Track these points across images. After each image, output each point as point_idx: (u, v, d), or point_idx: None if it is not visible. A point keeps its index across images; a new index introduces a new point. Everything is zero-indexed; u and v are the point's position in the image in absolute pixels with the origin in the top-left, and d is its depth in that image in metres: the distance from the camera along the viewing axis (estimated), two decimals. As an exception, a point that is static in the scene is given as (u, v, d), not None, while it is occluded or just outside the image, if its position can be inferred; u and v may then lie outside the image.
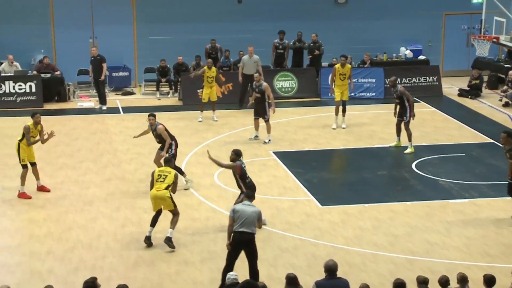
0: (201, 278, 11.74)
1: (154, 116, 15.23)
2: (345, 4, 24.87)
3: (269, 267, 11.87)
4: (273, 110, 18.18)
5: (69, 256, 12.41)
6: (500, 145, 15.86)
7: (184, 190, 15.15)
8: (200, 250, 12.70)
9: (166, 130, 15.10)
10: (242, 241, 10.99)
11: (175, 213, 12.90)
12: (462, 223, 13.74)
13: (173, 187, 12.81)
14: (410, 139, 17.44)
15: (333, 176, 16.56)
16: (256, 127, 18.60)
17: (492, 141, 17.25)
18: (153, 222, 12.91)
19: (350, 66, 19.52)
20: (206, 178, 16.10)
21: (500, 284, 10.07)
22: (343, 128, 19.16)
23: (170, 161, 13.22)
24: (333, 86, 19.43)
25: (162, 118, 20.66)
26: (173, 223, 12.83)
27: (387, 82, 19.68)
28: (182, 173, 15.33)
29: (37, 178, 15.11)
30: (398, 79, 22.54)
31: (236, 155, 13.17)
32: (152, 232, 12.86)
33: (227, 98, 22.33)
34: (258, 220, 11.09)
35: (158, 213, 12.96)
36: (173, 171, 12.97)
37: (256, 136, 18.62)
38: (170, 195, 12.75)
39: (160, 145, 15.34)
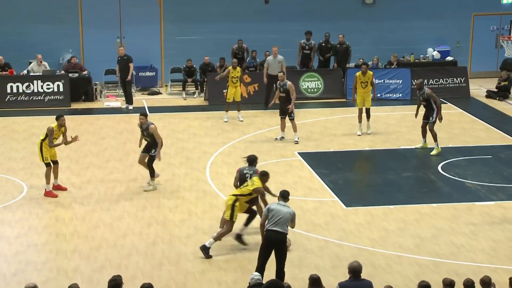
0: (225, 278, 11.75)
1: (146, 115, 15.27)
2: (373, 5, 24.76)
3: (293, 268, 11.85)
4: (290, 108, 18.12)
5: (94, 255, 12.50)
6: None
7: (132, 191, 15.12)
8: (225, 250, 12.70)
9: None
10: (274, 240, 11.05)
11: (227, 225, 12.50)
12: (489, 226, 13.61)
13: (263, 203, 12.28)
14: (435, 140, 17.33)
15: (358, 177, 16.50)
16: (283, 127, 18.59)
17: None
18: (247, 222, 12.88)
19: (371, 73, 19.21)
20: (232, 178, 16.05)
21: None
22: (369, 134, 18.98)
23: (265, 175, 12.51)
24: (355, 95, 19.18)
25: (188, 118, 20.84)
26: (218, 234, 12.47)
27: (414, 84, 19.51)
28: (153, 174, 15.30)
29: (56, 177, 15.22)
30: (425, 81, 22.43)
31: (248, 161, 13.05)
32: (242, 230, 12.76)
33: (252, 99, 22.35)
34: (291, 221, 11.14)
35: (249, 214, 12.87)
36: (257, 184, 12.33)
37: (282, 137, 18.60)
38: (234, 205, 12.37)
39: (145, 147, 15.29)
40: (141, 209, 14.46)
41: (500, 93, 22.77)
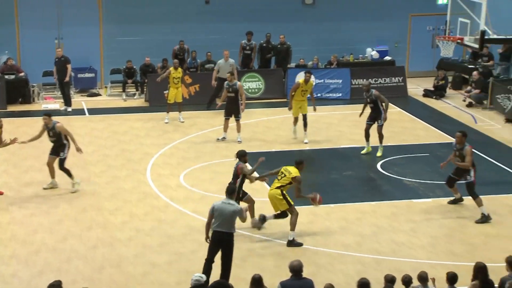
0: (168, 280, 11.64)
1: (50, 115, 15.06)
2: (313, 6, 24.91)
3: (236, 268, 11.79)
4: (242, 109, 18.19)
5: (33, 259, 12.23)
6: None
7: (72, 194, 14.96)
8: (168, 252, 12.59)
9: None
10: (219, 241, 11.01)
11: (291, 212, 12.86)
12: (428, 222, 13.82)
13: (296, 192, 12.75)
14: (381, 142, 17.30)
15: (301, 177, 16.53)
16: (226, 128, 18.54)
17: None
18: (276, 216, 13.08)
19: (312, 82, 18.90)
20: (173, 179, 16.01)
21: (463, 281, 10.14)
22: (306, 143, 18.48)
23: (301, 163, 13.06)
24: (292, 102, 18.48)
25: (129, 119, 20.60)
26: (292, 224, 12.82)
27: (361, 86, 19.44)
28: (70, 175, 15.13)
29: None
30: (364, 80, 22.65)
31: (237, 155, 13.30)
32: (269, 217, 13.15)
33: (194, 99, 22.24)
34: (240, 217, 11.06)
35: (280, 215, 13.02)
36: (295, 173, 12.84)
37: (224, 138, 18.55)
38: (283, 194, 12.74)
39: (52, 149, 15.05)
40: (81, 212, 14.21)
41: (437, 92, 23.17)
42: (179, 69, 20.31)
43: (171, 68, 20.28)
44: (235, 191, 11.35)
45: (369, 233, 13.40)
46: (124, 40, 23.94)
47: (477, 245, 12.94)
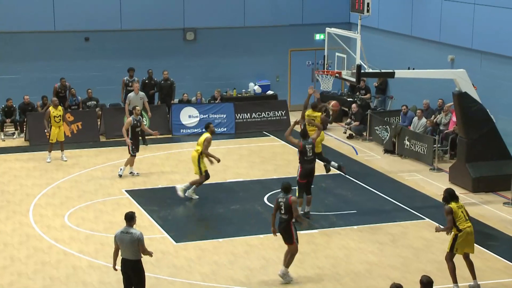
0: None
1: None
2: (194, 41, 25.09)
3: None
4: (155, 134, 19.10)
5: None
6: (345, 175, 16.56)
7: None
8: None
9: None
10: (125, 268, 10.98)
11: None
12: (314, 253, 14.05)
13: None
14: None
15: (187, 212, 16.51)
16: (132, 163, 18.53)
17: (339, 172, 17.84)
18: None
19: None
20: (57, 220, 15.59)
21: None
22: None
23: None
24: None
25: (8, 159, 19.95)
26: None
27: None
28: None
29: None
30: (248, 114, 23.00)
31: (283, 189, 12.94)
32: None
33: (76, 137, 21.82)
34: (139, 244, 10.87)
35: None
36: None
37: (132, 172, 18.54)
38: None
39: None
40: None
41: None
42: (59, 107, 19.91)
43: (51, 107, 19.85)
44: (133, 218, 11.11)
45: (257, 266, 13.49)
46: (2, 79, 23.25)
47: (361, 273, 13.27)
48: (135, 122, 18.35)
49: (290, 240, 12.76)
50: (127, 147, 18.43)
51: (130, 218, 11.01)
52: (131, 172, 18.54)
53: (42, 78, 23.32)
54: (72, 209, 16.29)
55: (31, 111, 22.09)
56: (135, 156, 18.46)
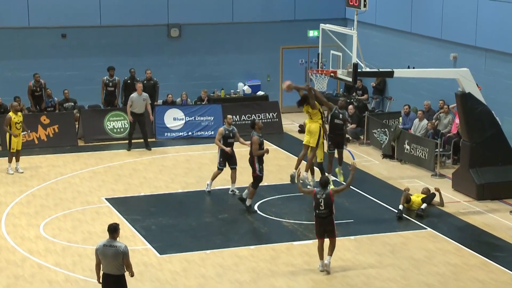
0: None
1: None
2: (179, 38, 25.09)
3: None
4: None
5: None
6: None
7: None
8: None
9: None
10: (107, 284, 10.95)
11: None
12: (308, 266, 14.06)
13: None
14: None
15: (172, 222, 16.49)
16: None
17: (333, 178, 17.87)
18: None
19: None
20: (31, 230, 15.55)
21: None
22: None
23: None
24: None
25: (-21, 165, 19.85)
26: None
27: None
28: None
29: None
30: (237, 117, 22.99)
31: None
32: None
33: (53, 141, 21.77)
34: (124, 258, 10.83)
35: None
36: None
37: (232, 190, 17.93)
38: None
39: None
40: None
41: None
42: (19, 113, 19.46)
43: (11, 113, 19.21)
44: (116, 230, 11.07)
45: (247, 279, 13.49)
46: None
47: (358, 287, 13.28)
48: (227, 132, 17.59)
49: (334, 232, 13.56)
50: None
51: (113, 230, 10.96)
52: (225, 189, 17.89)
53: (15, 77, 23.27)
54: (48, 219, 16.24)
55: (3, 113, 21.99)
56: (221, 170, 17.73)
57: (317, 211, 13.58)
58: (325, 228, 13.59)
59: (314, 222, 16.00)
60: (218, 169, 17.78)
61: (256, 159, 16.53)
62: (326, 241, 13.68)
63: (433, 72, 19.24)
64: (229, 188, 18.01)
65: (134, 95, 21.37)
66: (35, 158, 20.51)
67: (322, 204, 13.45)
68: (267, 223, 16.24)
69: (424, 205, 16.64)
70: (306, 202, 17.32)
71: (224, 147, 17.47)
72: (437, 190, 16.97)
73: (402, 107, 22.24)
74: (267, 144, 22.33)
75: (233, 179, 17.70)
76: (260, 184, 18.30)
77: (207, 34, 25.33)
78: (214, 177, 17.86)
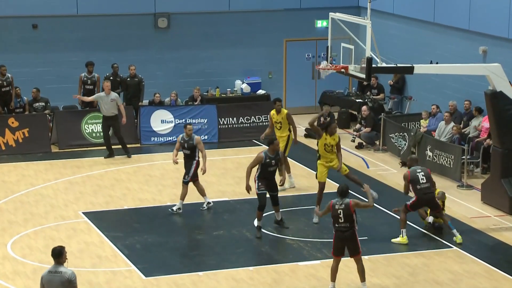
0: None
1: None
2: (167, 30, 25.11)
3: None
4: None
5: None
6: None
7: None
8: None
9: None
10: None
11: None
12: (316, 290, 14.07)
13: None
14: (403, 226, 16.20)
15: (160, 240, 16.47)
16: None
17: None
18: None
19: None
20: (3, 249, 15.56)
21: None
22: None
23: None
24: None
25: None
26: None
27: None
28: None
29: None
30: (234, 119, 23.00)
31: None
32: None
33: (22, 147, 21.79)
34: (70, 287, 10.81)
35: None
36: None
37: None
38: None
39: None
40: None
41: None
42: None
43: None
44: (62, 254, 11.03)
45: (246, 305, 13.49)
46: None
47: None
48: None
49: (358, 250, 13.57)
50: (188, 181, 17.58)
51: (58, 254, 10.94)
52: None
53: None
54: (16, 236, 16.23)
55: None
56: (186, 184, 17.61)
57: (336, 225, 13.57)
58: (347, 244, 13.54)
59: (322, 240, 16.08)
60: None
61: (256, 176, 16.38)
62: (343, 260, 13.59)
63: (459, 68, 19.23)
64: (224, 200, 18.03)
65: (101, 94, 21.38)
66: (2, 166, 20.47)
67: (341, 216, 13.46)
68: (268, 240, 16.22)
69: (430, 218, 16.63)
70: (312, 217, 17.32)
71: (174, 159, 17.68)
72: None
73: (422, 108, 22.23)
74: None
75: (182, 195, 17.59)
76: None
77: (200, 24, 25.36)
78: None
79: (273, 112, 19.23)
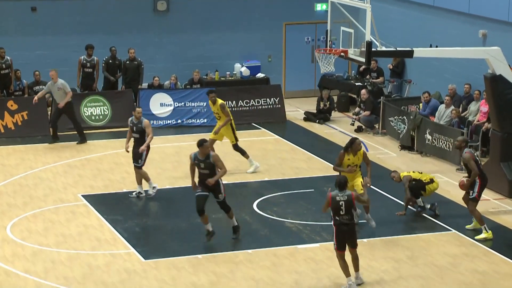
0: None
1: None
2: (167, 13, 25.06)
3: None
4: (142, 149, 17.36)
5: None
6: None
7: None
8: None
9: None
10: None
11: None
12: (314, 274, 14.08)
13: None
14: (482, 223, 15.54)
15: (159, 223, 16.51)
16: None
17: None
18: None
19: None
20: (-2, 238, 15.61)
21: None
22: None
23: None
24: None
25: None
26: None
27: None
28: None
29: None
30: (233, 102, 22.99)
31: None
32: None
33: (21, 130, 21.77)
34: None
35: None
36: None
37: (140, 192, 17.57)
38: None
39: None
40: None
41: (320, 115, 23.72)
42: None
43: None
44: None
45: (245, 286, 13.53)
46: None
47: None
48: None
49: (356, 243, 13.36)
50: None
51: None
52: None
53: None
54: (15, 219, 16.24)
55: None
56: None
57: (337, 218, 13.15)
58: (350, 238, 13.22)
59: (321, 223, 16.08)
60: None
61: None
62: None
63: (458, 52, 19.21)
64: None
65: (50, 83, 21.14)
66: (1, 149, 20.47)
67: (342, 207, 13.07)
68: (267, 224, 16.24)
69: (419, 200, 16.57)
70: (311, 201, 17.34)
71: (126, 146, 17.50)
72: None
73: (422, 92, 22.20)
74: (267, 134, 22.34)
75: (138, 179, 17.48)
76: (260, 180, 18.35)
77: (199, 8, 25.30)
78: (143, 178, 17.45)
79: (210, 103, 19.05)
